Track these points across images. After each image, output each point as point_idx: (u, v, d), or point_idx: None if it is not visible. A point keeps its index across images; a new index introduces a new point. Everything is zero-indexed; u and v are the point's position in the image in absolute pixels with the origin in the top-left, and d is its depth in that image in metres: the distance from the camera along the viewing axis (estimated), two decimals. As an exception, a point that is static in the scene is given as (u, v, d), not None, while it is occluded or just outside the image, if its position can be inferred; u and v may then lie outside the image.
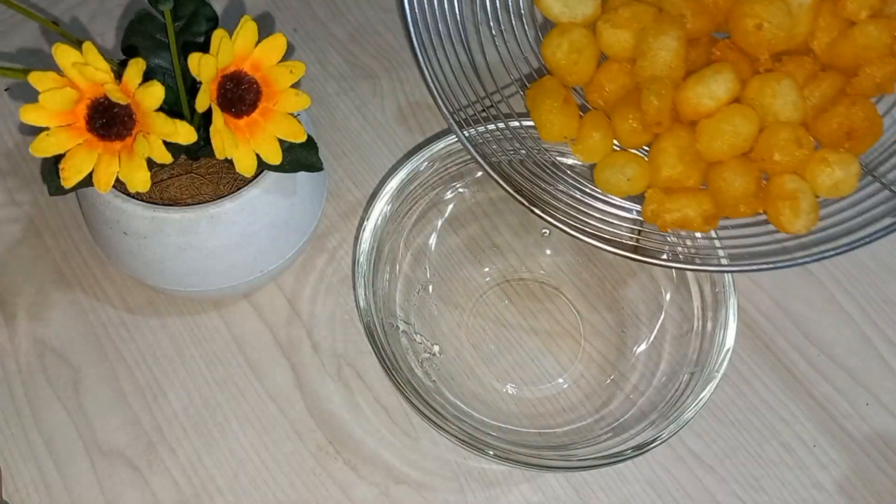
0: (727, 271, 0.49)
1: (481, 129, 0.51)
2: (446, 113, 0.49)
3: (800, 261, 0.47)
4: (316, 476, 0.50)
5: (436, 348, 0.54)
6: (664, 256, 0.50)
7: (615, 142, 0.50)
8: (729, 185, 0.46)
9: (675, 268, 0.51)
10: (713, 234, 0.51)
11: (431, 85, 0.49)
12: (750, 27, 0.45)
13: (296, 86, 0.43)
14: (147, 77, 0.39)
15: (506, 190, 0.48)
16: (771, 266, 0.48)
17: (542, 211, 0.48)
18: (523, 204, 0.48)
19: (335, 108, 0.63)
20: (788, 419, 0.53)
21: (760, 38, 0.45)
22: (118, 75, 0.39)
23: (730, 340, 0.50)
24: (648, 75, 0.47)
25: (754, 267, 0.48)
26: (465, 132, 0.49)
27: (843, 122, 0.45)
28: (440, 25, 0.51)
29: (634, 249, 0.49)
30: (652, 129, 0.48)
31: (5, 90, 0.63)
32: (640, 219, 0.50)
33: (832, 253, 0.47)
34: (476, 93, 0.51)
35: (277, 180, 0.48)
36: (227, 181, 0.49)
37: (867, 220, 0.48)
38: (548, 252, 0.57)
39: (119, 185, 0.45)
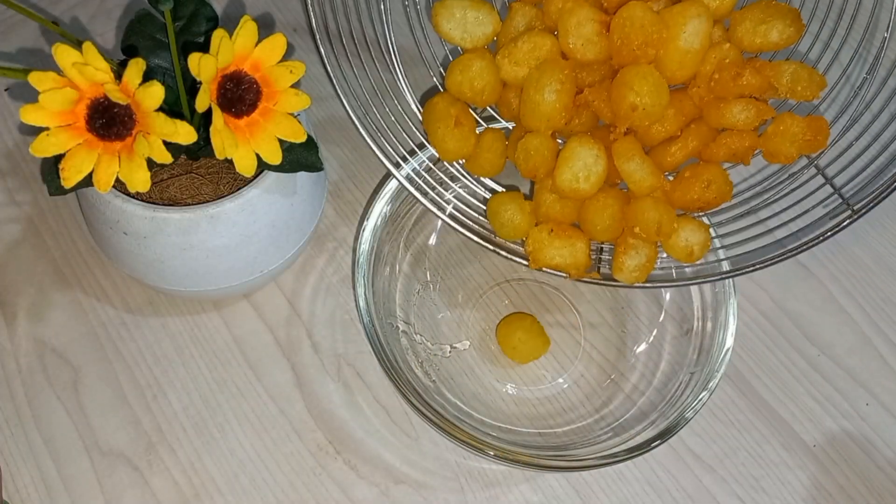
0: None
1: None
2: (387, 164, 0.50)
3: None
4: (316, 476, 0.50)
5: (446, 348, 0.54)
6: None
7: None
8: (592, 226, 0.48)
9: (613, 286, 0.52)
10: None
11: (368, 139, 0.49)
12: (627, 101, 0.45)
13: (296, 86, 0.43)
14: (147, 77, 0.39)
15: (466, 236, 0.51)
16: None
17: (499, 247, 0.51)
18: (486, 247, 0.51)
19: (335, 108, 0.63)
20: (788, 419, 0.53)
21: (628, 115, 0.45)
22: (118, 75, 0.39)
23: (730, 340, 0.50)
24: (527, 126, 0.47)
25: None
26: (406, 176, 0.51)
27: (698, 199, 0.47)
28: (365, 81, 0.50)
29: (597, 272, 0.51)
30: (531, 177, 0.48)
31: (5, 90, 0.63)
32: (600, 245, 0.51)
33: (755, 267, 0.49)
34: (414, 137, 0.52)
35: (277, 180, 0.48)
36: (227, 181, 0.49)
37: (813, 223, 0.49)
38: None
39: (119, 185, 0.45)
